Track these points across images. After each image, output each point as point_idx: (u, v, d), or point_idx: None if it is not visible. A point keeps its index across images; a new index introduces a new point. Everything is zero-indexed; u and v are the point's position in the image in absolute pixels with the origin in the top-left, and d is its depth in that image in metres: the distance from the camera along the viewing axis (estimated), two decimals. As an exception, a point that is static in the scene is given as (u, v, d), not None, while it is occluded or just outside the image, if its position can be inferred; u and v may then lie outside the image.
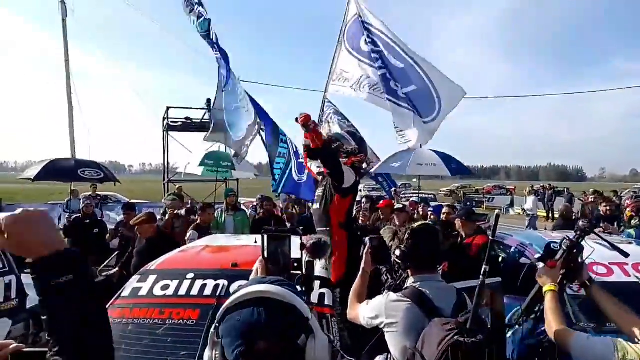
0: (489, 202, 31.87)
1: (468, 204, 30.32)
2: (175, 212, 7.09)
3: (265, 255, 1.85)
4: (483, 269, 1.95)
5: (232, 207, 8.02)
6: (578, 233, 2.35)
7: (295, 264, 1.90)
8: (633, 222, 6.51)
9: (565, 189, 25.95)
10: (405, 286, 2.30)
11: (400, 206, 6.96)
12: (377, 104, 7.59)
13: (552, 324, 2.08)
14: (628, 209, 7.32)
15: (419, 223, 2.44)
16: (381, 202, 7.64)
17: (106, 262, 6.63)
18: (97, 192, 14.72)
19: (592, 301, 2.18)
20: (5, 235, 1.07)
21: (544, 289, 2.23)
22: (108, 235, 7.72)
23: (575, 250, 2.29)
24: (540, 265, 2.32)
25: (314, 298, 2.83)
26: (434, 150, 8.22)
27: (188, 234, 5.84)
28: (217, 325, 1.11)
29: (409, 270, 2.35)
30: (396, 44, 7.49)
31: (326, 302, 2.85)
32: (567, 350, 1.96)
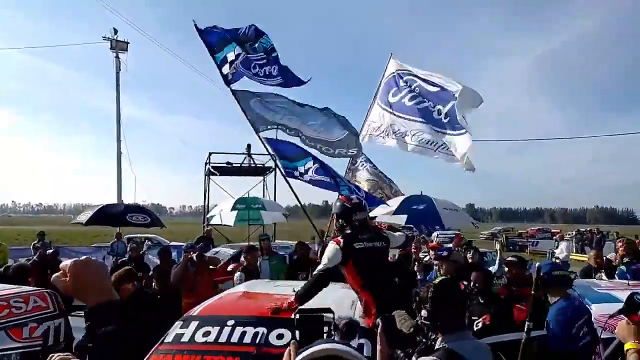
0: (533, 246, 30.61)
1: (511, 247, 29.24)
2: (190, 256, 6.87)
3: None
4: (527, 326, 1.88)
5: (267, 251, 8.10)
6: None
7: None
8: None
9: (615, 233, 24.67)
10: (436, 347, 2.20)
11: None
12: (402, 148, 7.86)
13: None
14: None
15: (440, 278, 2.34)
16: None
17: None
18: (138, 234, 15.24)
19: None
20: (68, 279, 1.17)
21: (626, 347, 2.01)
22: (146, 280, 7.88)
23: None
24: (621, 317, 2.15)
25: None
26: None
27: (236, 276, 5.87)
28: None
29: (437, 331, 2.24)
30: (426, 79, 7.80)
31: (365, 353, 2.82)
32: None
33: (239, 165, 18.22)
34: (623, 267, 6.65)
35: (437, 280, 2.31)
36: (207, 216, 14.72)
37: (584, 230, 23.64)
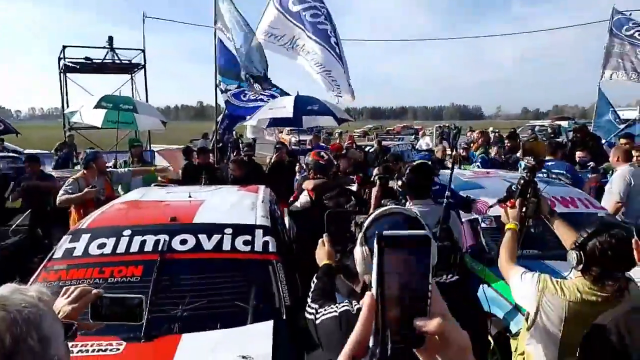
0: (400, 142, 33.44)
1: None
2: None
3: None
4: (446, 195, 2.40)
5: (139, 159, 7.62)
6: (526, 170, 2.55)
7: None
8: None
9: (469, 127, 27.69)
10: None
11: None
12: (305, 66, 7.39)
13: (502, 258, 2.38)
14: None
15: (420, 161, 3.36)
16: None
17: (18, 222, 6.12)
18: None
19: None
20: None
21: (507, 227, 2.45)
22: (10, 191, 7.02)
23: (529, 188, 2.47)
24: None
25: (258, 246, 2.95)
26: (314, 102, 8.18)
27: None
28: (364, 233, 1.54)
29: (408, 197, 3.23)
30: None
31: (270, 249, 2.96)
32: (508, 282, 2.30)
33: (100, 61, 16.14)
34: (484, 155, 7.99)
35: (415, 163, 3.22)
36: (66, 112, 12.75)
37: (442, 125, 26.11)
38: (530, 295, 2.15)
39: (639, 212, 5.13)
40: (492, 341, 3.27)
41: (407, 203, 3.12)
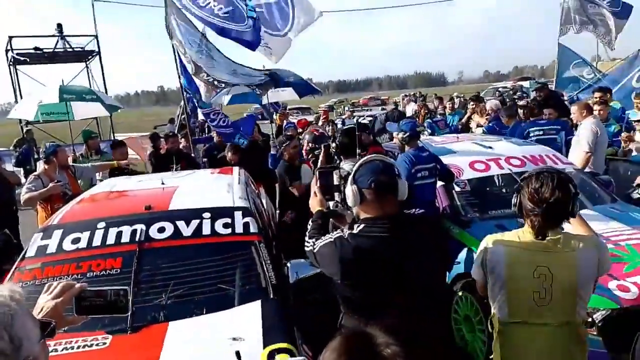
0: (368, 112, 33.50)
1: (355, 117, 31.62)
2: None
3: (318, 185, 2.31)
4: None
5: (96, 150, 7.36)
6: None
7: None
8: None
9: (434, 94, 27.94)
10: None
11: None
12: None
13: None
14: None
15: (348, 126, 3.49)
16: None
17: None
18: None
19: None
20: None
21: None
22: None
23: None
24: None
25: (239, 228, 2.92)
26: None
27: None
28: (354, 176, 1.98)
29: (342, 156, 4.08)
30: None
31: (251, 230, 2.93)
32: None
33: (51, 50, 15.34)
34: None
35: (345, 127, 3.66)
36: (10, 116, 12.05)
37: (408, 95, 26.28)
38: (476, 261, 2.25)
39: (602, 162, 5.35)
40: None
41: (342, 162, 3.78)
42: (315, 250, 2.06)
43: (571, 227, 2.16)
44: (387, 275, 1.92)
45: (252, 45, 6.30)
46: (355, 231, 1.96)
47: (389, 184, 1.96)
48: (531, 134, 5.73)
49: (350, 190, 1.97)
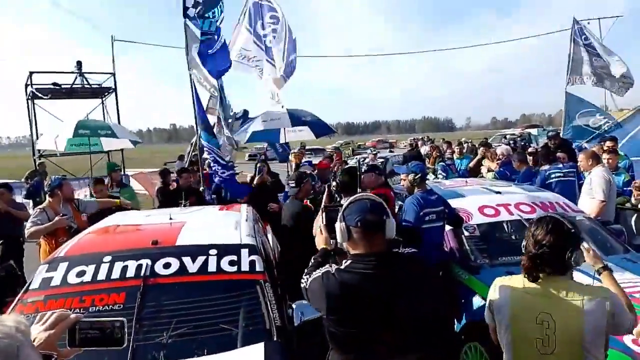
0: (393, 155, 33.79)
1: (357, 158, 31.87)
2: None
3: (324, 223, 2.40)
4: None
5: (118, 183, 7.47)
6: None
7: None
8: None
9: (442, 139, 28.16)
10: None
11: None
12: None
13: None
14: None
15: (350, 165, 3.48)
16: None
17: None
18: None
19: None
20: None
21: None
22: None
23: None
24: None
25: (245, 266, 2.88)
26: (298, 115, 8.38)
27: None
28: (342, 213, 2.07)
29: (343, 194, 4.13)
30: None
31: (257, 269, 2.89)
32: None
33: (69, 86, 15.80)
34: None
35: (347, 166, 3.61)
36: (38, 147, 12.44)
37: (416, 139, 26.50)
38: (487, 305, 2.24)
39: (613, 211, 5.29)
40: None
41: (342, 200, 4.02)
42: (307, 286, 2.10)
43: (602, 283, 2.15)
44: (374, 312, 1.92)
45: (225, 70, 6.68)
46: (342, 267, 2.00)
47: (376, 222, 2.01)
48: (552, 176, 5.94)
49: (338, 227, 2.07)
